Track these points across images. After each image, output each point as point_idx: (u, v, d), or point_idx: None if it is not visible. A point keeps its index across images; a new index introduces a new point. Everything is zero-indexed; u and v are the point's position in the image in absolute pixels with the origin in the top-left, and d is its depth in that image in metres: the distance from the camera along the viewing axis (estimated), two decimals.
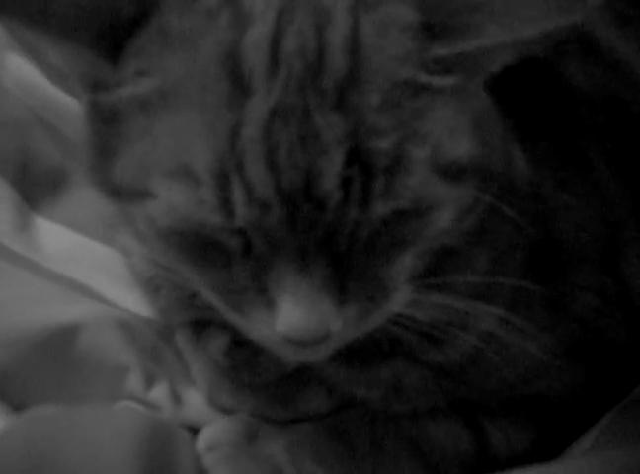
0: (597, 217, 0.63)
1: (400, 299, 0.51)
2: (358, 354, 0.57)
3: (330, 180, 0.45)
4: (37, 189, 0.76)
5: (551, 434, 0.62)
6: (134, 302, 0.69)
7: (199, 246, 0.48)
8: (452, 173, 0.48)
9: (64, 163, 0.77)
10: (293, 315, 0.46)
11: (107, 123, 0.49)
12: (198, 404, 0.64)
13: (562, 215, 0.61)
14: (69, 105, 0.77)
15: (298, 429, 0.61)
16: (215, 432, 0.61)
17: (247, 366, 0.61)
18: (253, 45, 0.46)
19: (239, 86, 0.45)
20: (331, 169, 0.44)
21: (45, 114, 0.78)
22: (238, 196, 0.45)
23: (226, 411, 0.64)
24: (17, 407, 0.58)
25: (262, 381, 0.63)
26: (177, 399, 0.64)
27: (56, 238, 0.74)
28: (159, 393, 0.63)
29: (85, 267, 0.72)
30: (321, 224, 0.45)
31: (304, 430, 0.61)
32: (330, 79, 0.45)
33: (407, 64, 0.46)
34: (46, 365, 0.61)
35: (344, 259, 0.47)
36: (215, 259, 0.48)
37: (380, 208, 0.46)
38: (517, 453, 0.62)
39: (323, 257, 0.46)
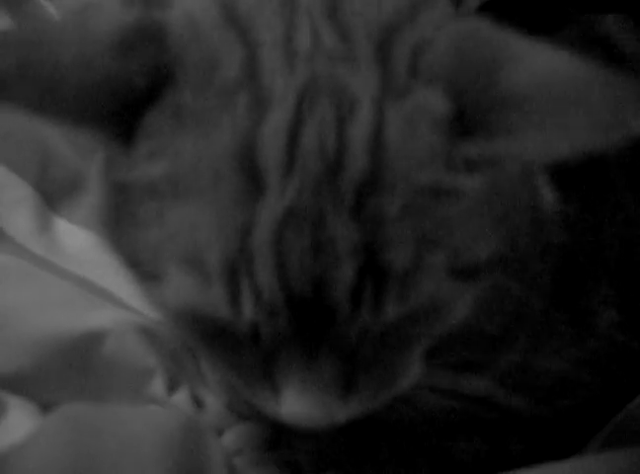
0: (618, 235, 0.63)
1: (411, 382, 0.50)
2: None
3: (341, 291, 0.43)
4: (57, 190, 0.76)
5: (568, 440, 0.62)
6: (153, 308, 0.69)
7: (208, 330, 0.47)
8: (468, 273, 0.46)
9: (83, 165, 0.77)
10: (298, 406, 0.46)
11: (119, 199, 0.47)
12: (218, 409, 0.65)
13: (586, 238, 0.61)
14: None
15: (320, 436, 0.61)
16: (239, 436, 0.61)
17: None
18: (270, 137, 0.42)
19: (253, 182, 0.42)
20: (342, 280, 0.43)
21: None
22: (246, 297, 0.43)
23: (246, 417, 0.65)
24: (43, 409, 0.58)
25: None
26: (198, 403, 0.65)
27: (76, 240, 0.74)
28: (181, 397, 0.64)
29: (105, 270, 0.71)
30: (330, 330, 0.44)
31: (326, 438, 0.61)
32: (348, 183, 0.42)
33: (432, 166, 0.43)
34: (72, 369, 0.61)
35: (353, 354, 0.46)
36: (225, 343, 0.47)
37: (392, 313, 0.44)
38: (533, 460, 0.62)
39: (332, 354, 0.45)
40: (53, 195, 0.76)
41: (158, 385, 0.63)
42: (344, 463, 0.60)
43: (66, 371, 0.61)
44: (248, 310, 0.43)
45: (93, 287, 0.69)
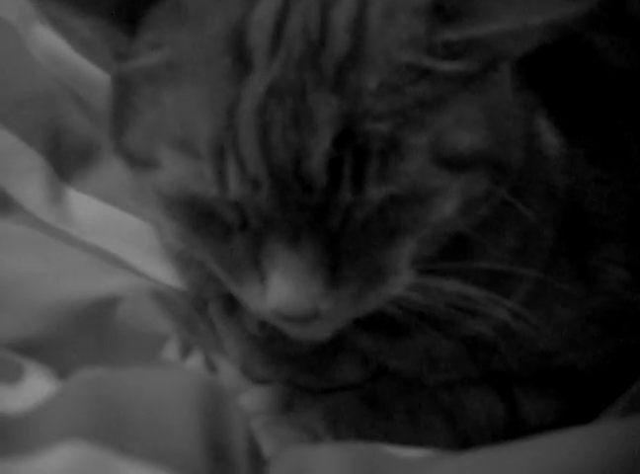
0: (627, 191, 0.63)
1: (401, 282, 0.51)
2: (389, 325, 0.58)
3: (317, 161, 0.45)
4: (68, 160, 0.77)
5: (581, 404, 0.63)
6: (166, 274, 0.70)
7: (200, 217, 0.49)
8: (455, 164, 0.47)
9: (95, 135, 0.78)
10: (282, 291, 0.47)
11: (122, 92, 0.50)
12: (232, 373, 0.65)
13: (592, 188, 0.61)
14: (98, 77, 0.77)
15: (334, 397, 0.62)
16: (253, 400, 0.62)
17: (281, 337, 0.62)
18: (258, 22, 0.46)
19: (241, 62, 0.45)
20: (318, 149, 0.44)
21: (75, 86, 0.79)
22: (232, 171, 0.45)
23: (260, 381, 0.65)
24: (59, 374, 0.59)
25: (296, 352, 0.63)
26: (212, 368, 0.65)
27: (88, 210, 0.75)
28: (195, 362, 0.64)
29: (116, 238, 0.72)
30: (311, 204, 0.46)
31: (340, 398, 0.62)
32: (330, 59, 0.45)
33: (412, 48, 0.46)
34: (86, 335, 0.62)
35: (337, 240, 0.47)
36: (215, 231, 0.49)
37: (374, 192, 0.46)
38: (547, 423, 0.63)
39: (315, 236, 0.46)
40: (65, 165, 0.76)
41: (172, 350, 0.64)
42: (359, 424, 0.60)
43: (80, 337, 0.62)
44: (233, 184, 0.46)
45: (106, 256, 0.70)
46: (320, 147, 0.44)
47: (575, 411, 0.63)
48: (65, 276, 0.64)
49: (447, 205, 0.48)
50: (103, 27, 0.49)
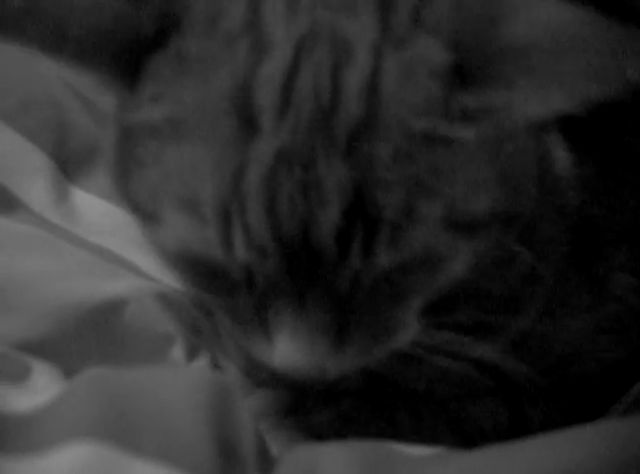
0: (635, 199, 0.63)
1: (406, 338, 0.50)
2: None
3: (326, 232, 0.43)
4: (74, 160, 0.77)
5: (588, 411, 0.62)
6: (171, 276, 0.70)
7: (205, 273, 0.48)
8: (468, 227, 0.46)
9: (100, 135, 0.77)
10: (288, 352, 0.46)
11: (125, 143, 0.48)
12: (237, 375, 0.65)
13: (602, 201, 0.61)
14: None
15: (340, 403, 0.62)
16: (258, 402, 0.62)
17: None
18: (266, 81, 0.44)
19: (248, 123, 0.43)
20: (328, 220, 0.43)
21: (80, 86, 0.79)
22: (238, 237, 0.44)
23: (265, 384, 0.65)
24: (65, 374, 0.59)
25: None
26: (217, 370, 0.65)
27: (93, 209, 0.74)
28: (201, 364, 0.64)
29: (122, 239, 0.72)
30: (320, 273, 0.45)
31: (346, 404, 0.62)
32: (341, 124, 0.43)
33: (428, 114, 0.44)
34: (92, 336, 0.62)
35: (344, 302, 0.46)
36: (221, 287, 0.48)
37: (384, 261, 0.45)
38: (551, 427, 0.63)
39: (322, 299, 0.46)
40: (70, 164, 0.76)
41: (178, 352, 0.64)
42: (365, 429, 0.60)
43: (87, 338, 0.62)
44: (240, 251, 0.44)
45: (111, 256, 0.70)
46: (330, 219, 0.43)
47: (581, 417, 0.62)
48: (71, 276, 0.64)
49: (457, 267, 0.48)
50: (102, 77, 0.47)
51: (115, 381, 0.47)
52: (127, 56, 0.46)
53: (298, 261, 0.44)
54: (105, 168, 0.75)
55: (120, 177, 0.49)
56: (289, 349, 0.46)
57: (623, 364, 0.63)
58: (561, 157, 0.58)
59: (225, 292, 0.48)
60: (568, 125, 0.58)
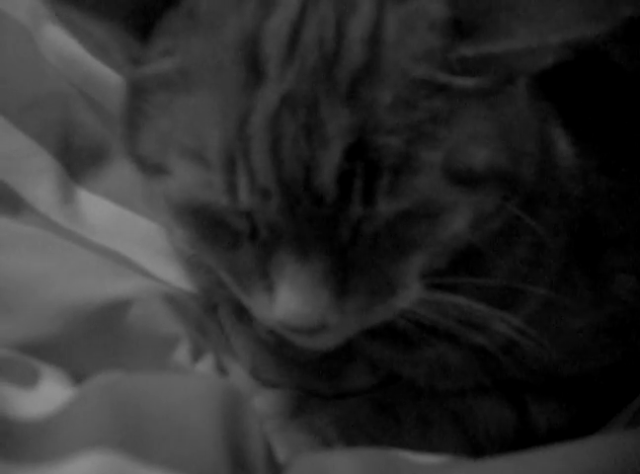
0: (638, 199, 0.63)
1: (409, 296, 0.51)
2: (399, 334, 0.58)
3: (328, 173, 0.44)
4: (79, 161, 0.76)
5: (590, 410, 0.63)
6: (176, 277, 0.70)
7: (210, 225, 0.49)
8: (467, 179, 0.47)
9: (106, 136, 0.77)
10: (290, 303, 0.47)
11: (135, 98, 0.50)
12: (242, 376, 0.65)
13: (604, 197, 0.61)
14: (110, 78, 0.77)
15: (344, 403, 0.62)
16: (264, 403, 0.62)
17: (291, 342, 0.62)
18: (273, 32, 0.45)
19: (254, 72, 0.45)
20: (329, 162, 0.44)
21: (87, 87, 0.79)
22: (242, 182, 0.45)
23: (270, 384, 0.65)
24: (72, 377, 0.59)
25: (306, 357, 0.64)
26: (222, 371, 0.65)
27: (99, 211, 0.74)
28: (206, 365, 0.64)
29: (127, 240, 0.72)
30: (321, 217, 0.45)
31: (350, 404, 0.62)
32: (344, 71, 0.45)
33: (428, 62, 0.45)
34: (97, 337, 0.62)
35: (347, 253, 0.47)
36: (225, 239, 0.49)
37: (384, 207, 0.46)
38: (556, 429, 0.63)
39: (324, 249, 0.46)
40: (76, 165, 0.76)
41: (183, 353, 0.64)
42: (370, 430, 0.60)
43: (92, 340, 0.62)
44: (244, 195, 0.45)
45: (116, 257, 0.70)
46: (331, 160, 0.44)
47: (584, 416, 0.63)
48: (77, 277, 0.64)
49: (458, 221, 0.48)
50: (117, 32, 0.49)
51: (125, 388, 0.47)
52: (141, 11, 0.48)
53: (300, 204, 0.45)
54: (112, 171, 0.76)
55: (128, 133, 0.50)
56: (290, 300, 0.47)
57: (623, 365, 0.63)
58: (564, 149, 0.59)
59: (228, 245, 0.49)
60: (571, 120, 0.59)
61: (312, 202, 0.45)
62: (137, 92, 0.50)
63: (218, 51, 0.46)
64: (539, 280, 0.58)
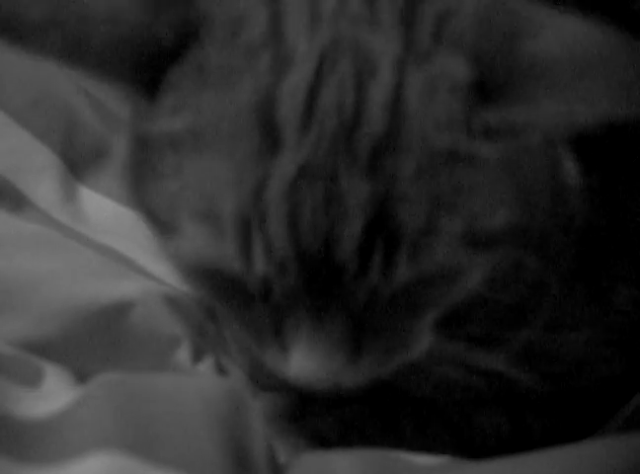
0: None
1: (421, 349, 0.50)
2: None
3: (348, 248, 0.43)
4: (82, 159, 0.77)
5: (588, 421, 0.63)
6: (177, 278, 0.70)
7: (221, 285, 0.48)
8: (485, 242, 0.46)
9: (108, 134, 0.78)
10: (304, 365, 0.46)
11: (142, 154, 0.48)
12: (242, 379, 0.66)
13: (608, 210, 0.61)
14: None
15: (344, 409, 0.62)
16: (264, 405, 0.62)
17: None
18: (289, 94, 0.43)
19: (270, 137, 0.43)
20: (350, 236, 0.43)
21: (89, 85, 0.79)
22: (258, 251, 0.44)
23: (268, 388, 0.65)
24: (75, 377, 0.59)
25: None
26: (222, 373, 0.66)
27: (101, 209, 0.75)
28: (206, 366, 0.64)
29: (128, 239, 0.72)
30: (338, 289, 0.45)
31: (351, 410, 0.62)
32: (364, 139, 0.43)
33: (450, 130, 0.43)
34: (98, 337, 0.62)
35: (362, 316, 0.46)
36: (237, 298, 0.48)
37: (402, 276, 0.45)
38: (552, 436, 0.63)
39: (340, 313, 0.46)
40: (78, 163, 0.76)
41: (183, 354, 0.64)
42: (369, 435, 0.61)
43: (94, 340, 0.62)
44: (259, 264, 0.44)
45: (118, 257, 0.70)
46: (351, 234, 0.43)
47: (581, 427, 0.63)
48: (78, 277, 0.64)
49: (474, 280, 0.48)
50: (123, 90, 0.46)
51: (131, 388, 0.47)
52: (147, 67, 0.45)
53: (318, 276, 0.44)
54: (114, 169, 0.76)
55: (135, 185, 0.49)
56: (306, 361, 0.46)
57: (624, 376, 0.63)
58: (570, 166, 0.58)
59: (241, 304, 0.48)
60: (577, 138, 0.58)
61: (330, 275, 0.44)
62: (145, 148, 0.47)
63: (231, 113, 0.43)
64: (544, 302, 0.58)
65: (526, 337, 0.58)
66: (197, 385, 0.49)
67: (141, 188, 0.48)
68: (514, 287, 0.57)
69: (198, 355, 0.65)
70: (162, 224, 0.47)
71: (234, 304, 0.49)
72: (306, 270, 0.44)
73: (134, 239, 0.72)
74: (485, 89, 0.44)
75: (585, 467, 0.45)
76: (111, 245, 0.71)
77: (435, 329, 0.50)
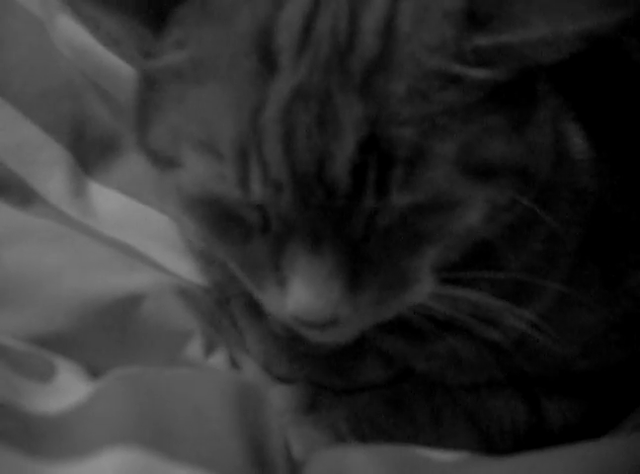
0: None
1: (422, 291, 0.50)
2: (413, 328, 0.57)
3: (341, 165, 0.44)
4: (91, 153, 0.76)
5: (602, 406, 0.63)
6: (189, 270, 0.70)
7: (222, 218, 0.49)
8: (481, 172, 0.47)
9: (118, 128, 0.77)
10: (302, 296, 0.47)
11: (147, 90, 0.50)
12: (255, 371, 0.65)
13: (618, 192, 0.61)
14: (121, 69, 0.77)
15: (357, 399, 0.62)
16: (277, 398, 0.62)
17: (305, 337, 0.62)
18: (286, 23, 0.45)
19: (267, 63, 0.45)
20: (343, 153, 0.44)
21: (98, 78, 0.78)
22: (255, 174, 0.45)
23: (283, 379, 0.65)
24: (87, 371, 0.59)
25: (319, 352, 0.63)
26: (234, 366, 0.65)
27: (110, 203, 0.74)
28: (218, 359, 0.64)
29: (139, 233, 0.72)
30: (334, 210, 0.45)
31: (363, 399, 0.62)
32: (357, 61, 0.44)
33: (442, 53, 0.45)
34: (110, 331, 0.62)
35: (359, 246, 0.47)
36: (237, 232, 0.49)
37: (398, 199, 0.45)
38: (570, 425, 0.63)
39: (337, 242, 0.46)
40: (88, 157, 0.76)
41: (195, 348, 0.64)
42: (382, 425, 0.60)
43: (105, 334, 0.62)
44: (256, 187, 0.45)
45: (128, 250, 0.70)
46: (344, 151, 0.44)
47: (597, 413, 0.63)
48: (89, 270, 0.64)
49: (472, 214, 0.48)
50: (129, 24, 0.48)
51: (145, 383, 0.47)
52: (154, 4, 0.48)
53: (313, 197, 0.45)
54: (123, 163, 0.76)
55: (140, 126, 0.50)
56: (303, 293, 0.46)
57: (633, 363, 0.63)
58: (577, 143, 0.59)
59: (240, 238, 0.49)
60: (585, 114, 0.59)
61: (325, 195, 0.45)
62: (149, 84, 0.49)
63: (231, 43, 0.45)
64: (554, 275, 0.58)
65: (537, 308, 0.57)
66: (213, 380, 0.49)
67: (146, 129, 0.50)
68: (526, 242, 0.56)
69: (210, 349, 0.65)
70: (164, 160, 0.49)
71: (233, 239, 0.49)
72: (301, 190, 0.45)
73: (144, 233, 0.72)
74: (476, 15, 0.46)
75: (607, 465, 0.45)
76: (120, 239, 0.71)
77: (437, 273, 0.50)
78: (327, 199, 0.45)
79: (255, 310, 0.66)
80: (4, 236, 0.65)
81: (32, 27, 0.79)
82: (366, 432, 0.60)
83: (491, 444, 0.62)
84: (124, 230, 0.72)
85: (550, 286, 0.57)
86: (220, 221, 0.49)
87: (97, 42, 0.78)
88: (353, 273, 0.47)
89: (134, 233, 0.72)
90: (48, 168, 0.73)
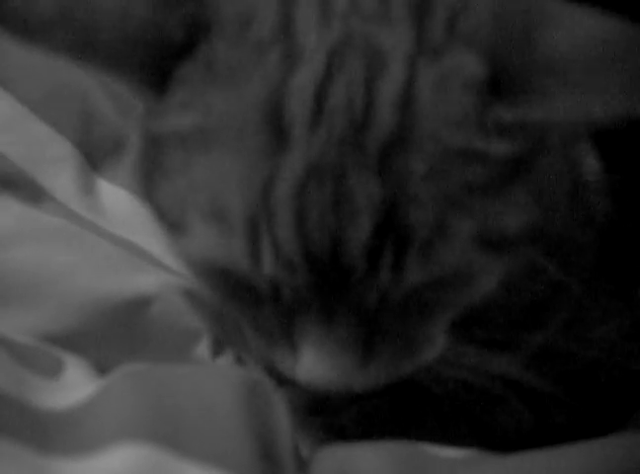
0: None
1: (435, 352, 0.50)
2: None
3: (356, 249, 0.42)
4: (99, 150, 0.76)
5: (611, 416, 0.62)
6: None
7: (231, 285, 0.47)
8: (500, 246, 0.45)
9: (125, 126, 0.77)
10: (314, 367, 0.46)
11: (151, 151, 0.47)
12: (260, 372, 0.65)
13: (632, 209, 0.60)
14: None
15: (365, 403, 0.61)
16: (285, 398, 0.62)
17: None
18: (298, 91, 0.42)
19: (278, 136, 0.42)
20: (358, 238, 0.42)
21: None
22: (266, 251, 0.43)
23: (287, 381, 0.65)
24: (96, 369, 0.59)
25: None
26: (243, 366, 0.65)
27: (119, 202, 0.74)
28: (226, 360, 0.64)
29: (146, 232, 0.71)
30: (348, 290, 0.44)
31: (371, 404, 0.61)
32: (374, 138, 0.42)
33: (463, 128, 0.42)
34: (119, 331, 0.62)
35: (372, 317, 0.46)
36: (246, 298, 0.48)
37: (413, 278, 0.44)
38: (577, 429, 0.63)
39: (350, 314, 0.45)
40: (96, 155, 0.76)
41: (203, 349, 0.64)
42: (388, 429, 0.60)
43: (114, 334, 0.62)
44: (268, 265, 0.43)
45: (137, 250, 0.70)
46: (360, 236, 0.42)
47: (605, 423, 0.62)
48: (98, 270, 0.64)
49: (488, 284, 0.47)
50: (133, 84, 0.46)
51: (155, 379, 0.47)
52: (156, 63, 0.45)
53: (327, 276, 0.43)
54: (129, 166, 0.76)
55: (145, 184, 0.48)
56: (315, 363, 0.45)
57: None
58: (592, 163, 0.57)
59: (250, 304, 0.47)
60: (598, 134, 0.57)
61: (339, 275, 0.43)
62: (154, 146, 0.47)
63: (240, 110, 0.43)
64: (561, 304, 0.58)
65: (543, 339, 0.57)
66: (222, 376, 0.48)
67: (151, 185, 0.48)
68: (531, 290, 0.56)
69: (218, 350, 0.65)
70: (171, 223, 0.47)
71: (244, 305, 0.48)
72: (314, 270, 0.43)
73: (151, 231, 0.71)
74: (499, 86, 0.43)
75: (616, 463, 0.45)
76: (128, 237, 0.71)
77: (449, 333, 0.49)
78: (341, 279, 0.44)
79: None
80: (15, 233, 0.65)
81: None
82: (375, 435, 0.59)
83: (496, 446, 0.61)
84: (132, 228, 0.71)
85: (563, 308, 0.57)
86: (230, 288, 0.48)
87: None
88: (365, 344, 0.46)
89: (141, 231, 0.71)
90: (57, 165, 0.73)
